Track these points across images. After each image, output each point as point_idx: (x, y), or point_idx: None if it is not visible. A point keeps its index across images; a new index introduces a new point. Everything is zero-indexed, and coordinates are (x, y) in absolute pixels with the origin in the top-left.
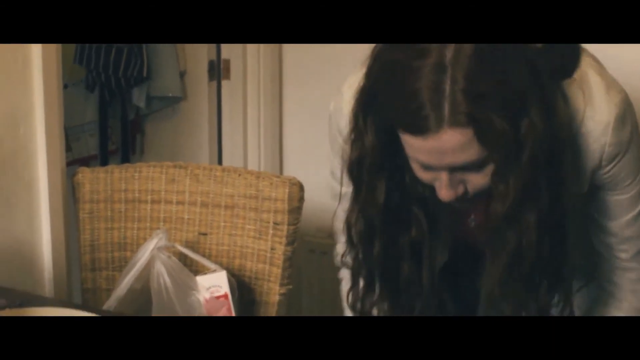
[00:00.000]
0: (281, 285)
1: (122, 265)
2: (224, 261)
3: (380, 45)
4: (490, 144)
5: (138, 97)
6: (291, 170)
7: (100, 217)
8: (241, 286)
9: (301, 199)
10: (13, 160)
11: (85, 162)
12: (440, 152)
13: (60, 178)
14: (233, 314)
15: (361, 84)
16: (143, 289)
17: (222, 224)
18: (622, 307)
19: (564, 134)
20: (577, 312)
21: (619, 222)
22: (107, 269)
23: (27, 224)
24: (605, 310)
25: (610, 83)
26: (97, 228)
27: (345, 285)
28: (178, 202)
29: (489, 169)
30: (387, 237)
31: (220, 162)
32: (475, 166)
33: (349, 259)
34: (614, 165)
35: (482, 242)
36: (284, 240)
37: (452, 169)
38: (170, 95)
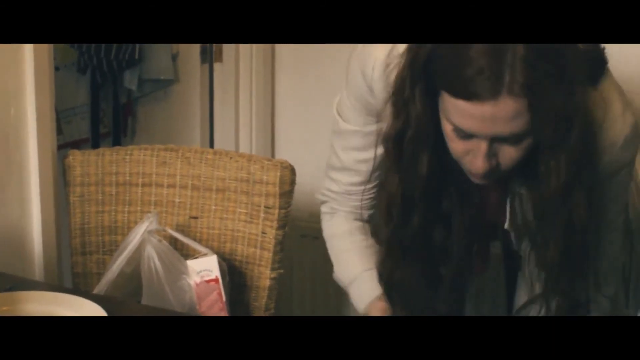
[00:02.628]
0: (272, 269)
1: (112, 249)
2: (214, 245)
3: None
4: (542, 115)
5: (130, 80)
6: (283, 153)
7: (91, 201)
8: (232, 270)
9: (293, 183)
10: (3, 142)
11: (77, 145)
12: (492, 119)
13: (51, 161)
14: (223, 298)
15: (411, 54)
16: (133, 273)
17: (213, 207)
18: None
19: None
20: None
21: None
22: (98, 253)
23: (17, 207)
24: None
25: (627, 105)
26: (87, 211)
27: (328, 221)
28: (169, 186)
29: (526, 143)
30: (425, 208)
31: (211, 145)
32: (516, 138)
33: (381, 231)
34: (609, 179)
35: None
36: (275, 224)
37: (493, 139)
38: (162, 78)
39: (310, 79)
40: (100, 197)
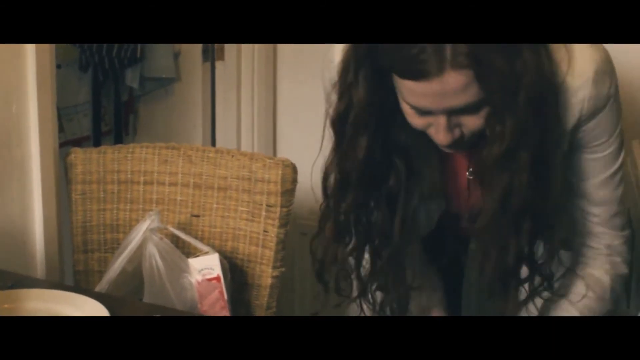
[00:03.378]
0: (274, 267)
1: (114, 247)
2: (216, 243)
3: None
4: (490, 84)
5: (131, 78)
6: (285, 151)
7: (92, 199)
8: (233, 269)
9: (294, 181)
10: (5, 139)
11: (78, 143)
12: (442, 95)
13: (53, 158)
14: (225, 297)
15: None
16: (135, 271)
17: (215, 205)
18: (596, 270)
19: (549, 82)
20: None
21: (592, 182)
22: (99, 251)
23: (19, 204)
24: (580, 270)
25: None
26: (89, 209)
27: None
28: (171, 184)
29: (485, 111)
30: (363, 188)
31: (213, 143)
32: (473, 108)
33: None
34: (590, 121)
35: (475, 196)
36: (276, 222)
37: (450, 112)
38: (164, 76)
39: (312, 77)
40: (101, 195)
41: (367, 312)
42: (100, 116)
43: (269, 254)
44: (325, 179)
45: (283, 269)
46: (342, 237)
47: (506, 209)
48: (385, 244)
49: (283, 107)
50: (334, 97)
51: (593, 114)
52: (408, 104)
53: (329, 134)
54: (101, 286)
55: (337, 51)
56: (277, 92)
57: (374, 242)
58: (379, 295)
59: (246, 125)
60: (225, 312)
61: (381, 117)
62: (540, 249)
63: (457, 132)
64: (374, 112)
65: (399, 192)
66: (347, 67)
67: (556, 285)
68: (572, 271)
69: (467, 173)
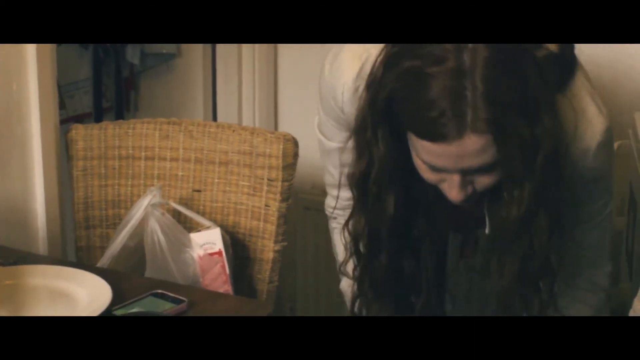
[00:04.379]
0: (275, 242)
1: (116, 222)
2: (218, 218)
3: (387, 52)
4: (508, 148)
5: (132, 54)
6: (286, 126)
7: (94, 175)
8: (235, 243)
9: (295, 155)
10: (6, 117)
11: (79, 119)
12: (460, 156)
13: (54, 135)
14: (227, 271)
15: (370, 96)
16: (137, 247)
17: (216, 180)
18: (578, 300)
19: (563, 144)
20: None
21: (579, 228)
22: (101, 227)
23: (20, 181)
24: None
25: (600, 108)
26: (90, 185)
27: (337, 235)
28: (172, 159)
29: (499, 169)
30: (392, 245)
31: (214, 118)
32: (487, 168)
33: (350, 268)
34: (587, 187)
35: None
36: (278, 196)
37: (465, 172)
38: (165, 51)
39: (313, 51)
40: (103, 171)
41: None
42: (101, 92)
43: (271, 228)
44: (355, 241)
45: (285, 243)
46: (380, 296)
47: (526, 270)
48: (416, 294)
49: (284, 81)
50: (345, 157)
51: (588, 182)
52: (422, 160)
53: (333, 167)
54: (103, 262)
55: (346, 73)
56: (278, 66)
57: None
58: None
59: (247, 100)
60: (227, 287)
61: (405, 173)
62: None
63: (470, 189)
64: (397, 168)
65: (423, 241)
66: (365, 125)
67: None
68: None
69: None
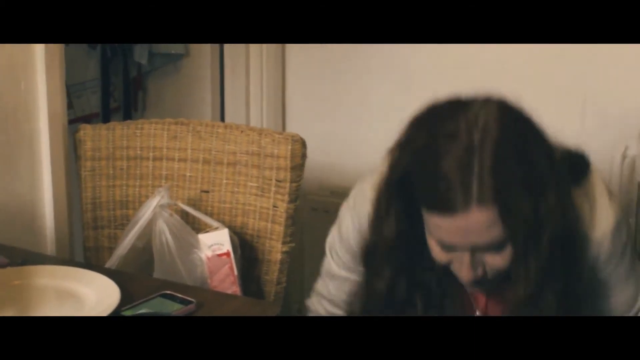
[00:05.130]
0: (283, 243)
1: (124, 223)
2: (226, 219)
3: (403, 136)
4: (513, 223)
5: (140, 54)
6: (293, 126)
7: (102, 175)
8: (243, 244)
9: (303, 156)
10: (14, 116)
11: (87, 119)
12: (467, 231)
13: (62, 135)
14: (235, 272)
15: (387, 175)
16: (145, 247)
17: (224, 181)
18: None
19: (572, 228)
20: None
21: (614, 293)
22: (109, 227)
23: (28, 181)
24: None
25: (612, 193)
26: (99, 186)
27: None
28: (180, 159)
29: (508, 250)
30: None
31: (222, 118)
32: (496, 246)
33: None
34: (607, 269)
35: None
36: (286, 197)
37: (474, 249)
38: (173, 52)
39: (321, 52)
40: (111, 172)
41: None
42: (109, 93)
43: (279, 229)
44: (352, 305)
45: (293, 244)
46: None
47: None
48: None
49: (292, 82)
50: (347, 287)
51: (608, 263)
52: (434, 239)
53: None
54: (111, 262)
55: (363, 195)
56: (286, 67)
57: None
58: None
59: (255, 101)
60: (235, 288)
61: (407, 253)
62: None
63: (480, 270)
64: (401, 245)
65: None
66: (380, 203)
67: None
68: None
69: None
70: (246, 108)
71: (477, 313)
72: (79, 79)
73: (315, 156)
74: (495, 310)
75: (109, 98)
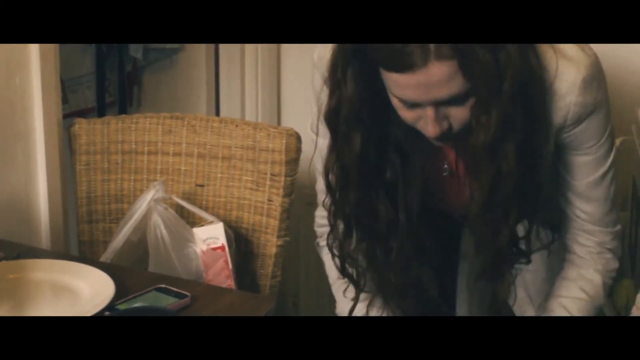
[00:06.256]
0: (278, 237)
1: (119, 217)
2: (221, 213)
3: None
4: (473, 74)
5: (135, 49)
6: (289, 121)
7: (96, 169)
8: (238, 238)
9: (298, 150)
10: (9, 111)
11: (83, 114)
12: (427, 86)
13: (57, 129)
14: (230, 266)
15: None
16: (140, 241)
17: (219, 175)
18: (588, 264)
19: (535, 81)
20: (548, 273)
21: (583, 182)
22: (104, 221)
23: (23, 175)
24: (574, 268)
25: (582, 48)
26: (93, 180)
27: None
28: (175, 154)
29: (471, 102)
30: (363, 182)
31: (217, 113)
32: (459, 99)
33: (328, 204)
34: (578, 126)
35: (453, 190)
36: (281, 191)
37: (438, 104)
38: (168, 46)
39: (316, 45)
40: (106, 166)
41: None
42: (104, 87)
43: (274, 223)
44: (326, 176)
45: (288, 238)
46: (352, 233)
47: (495, 196)
48: (392, 236)
49: (287, 76)
50: (324, 96)
51: (579, 120)
52: (396, 97)
53: (324, 130)
54: (106, 256)
55: (325, 49)
56: (281, 61)
57: (382, 236)
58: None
59: (250, 95)
60: (230, 282)
61: (373, 112)
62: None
63: (445, 124)
64: (365, 107)
65: (397, 183)
66: (336, 65)
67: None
68: (552, 243)
69: (445, 167)
70: (241, 102)
71: (445, 166)
72: (74, 74)
73: (311, 150)
74: (463, 163)
75: (104, 93)
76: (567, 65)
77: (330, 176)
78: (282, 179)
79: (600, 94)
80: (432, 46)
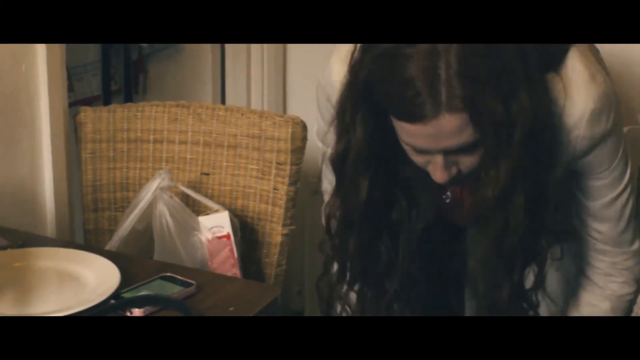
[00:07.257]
0: (284, 225)
1: (124, 205)
2: (226, 201)
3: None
4: (484, 126)
5: None
6: (294, 109)
7: (102, 157)
8: (244, 227)
9: (304, 139)
10: (15, 99)
11: (88, 102)
12: (437, 137)
13: (63, 117)
14: (235, 255)
15: (348, 79)
16: (145, 230)
17: (225, 163)
18: (597, 291)
19: (546, 121)
20: (558, 294)
21: (597, 203)
22: (110, 210)
23: (29, 164)
24: (583, 294)
25: (594, 75)
26: (99, 168)
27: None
28: (180, 142)
29: (481, 150)
30: (366, 227)
31: (223, 101)
32: (469, 148)
33: (326, 246)
34: (587, 156)
35: (457, 218)
36: (286, 180)
37: (447, 152)
38: None
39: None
40: (111, 154)
41: None
42: (110, 75)
43: (279, 211)
44: (328, 220)
45: (293, 227)
46: (345, 274)
47: (501, 248)
48: (391, 275)
49: (293, 64)
50: (331, 137)
51: (587, 151)
52: (406, 143)
53: (330, 173)
54: (111, 245)
55: (335, 73)
56: (287, 49)
57: (380, 276)
58: None
59: (256, 83)
60: (235, 270)
61: (381, 155)
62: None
63: (454, 170)
64: (373, 152)
65: (402, 223)
66: (344, 108)
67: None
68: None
69: (447, 194)
70: (247, 90)
71: (448, 193)
72: (79, 62)
73: (316, 139)
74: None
75: (110, 81)
76: (575, 100)
77: (332, 222)
78: (288, 167)
79: (609, 124)
80: (443, 98)
